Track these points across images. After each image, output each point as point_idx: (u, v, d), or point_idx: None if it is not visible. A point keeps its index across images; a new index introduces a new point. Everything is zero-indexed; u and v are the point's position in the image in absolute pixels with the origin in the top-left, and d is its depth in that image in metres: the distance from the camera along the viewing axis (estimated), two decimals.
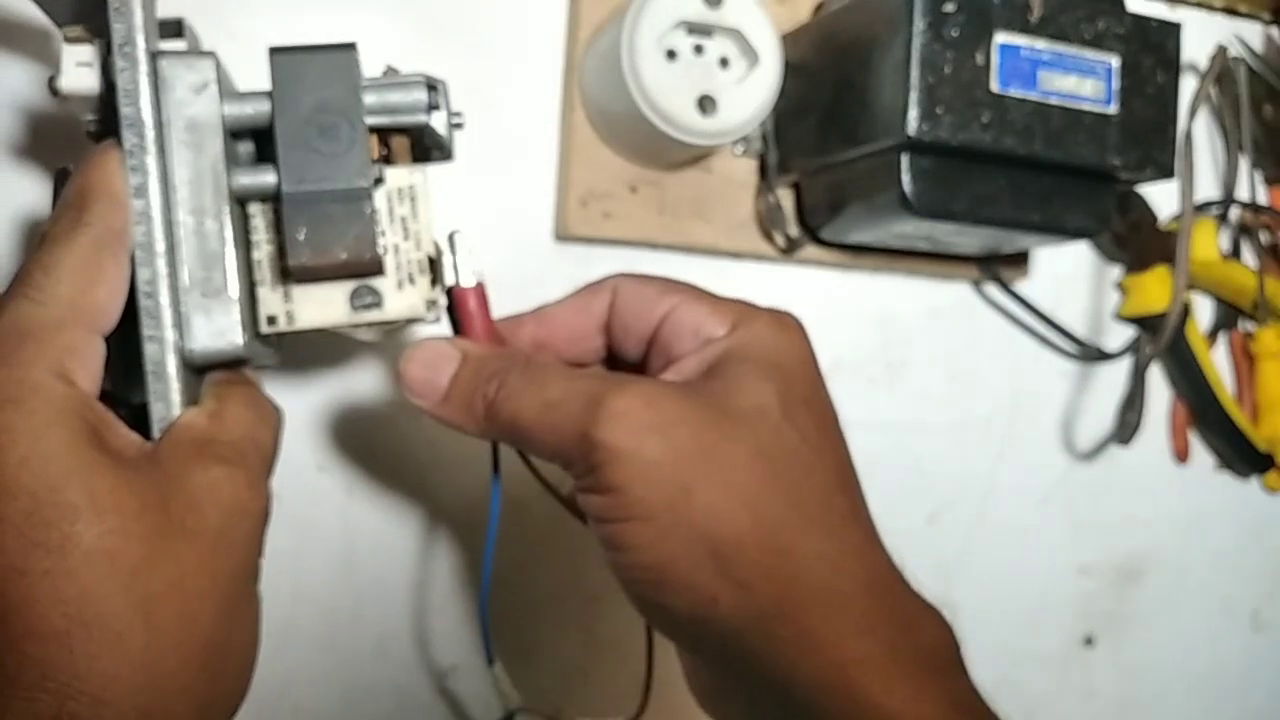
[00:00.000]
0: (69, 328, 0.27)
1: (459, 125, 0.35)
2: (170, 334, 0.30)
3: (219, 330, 0.30)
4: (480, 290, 0.34)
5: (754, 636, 0.28)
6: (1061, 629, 0.59)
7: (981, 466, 0.57)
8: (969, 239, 0.49)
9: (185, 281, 0.30)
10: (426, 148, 0.35)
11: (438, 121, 0.34)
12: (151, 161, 0.30)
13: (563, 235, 0.47)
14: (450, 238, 0.33)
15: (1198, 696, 0.63)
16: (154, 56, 0.30)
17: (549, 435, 0.30)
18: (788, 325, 0.33)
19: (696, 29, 0.44)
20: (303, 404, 0.44)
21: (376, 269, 0.32)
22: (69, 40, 0.31)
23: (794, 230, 0.50)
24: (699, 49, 0.44)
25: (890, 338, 0.55)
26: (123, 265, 0.29)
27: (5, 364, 0.26)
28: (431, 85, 0.33)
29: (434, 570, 0.46)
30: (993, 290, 0.56)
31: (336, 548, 0.45)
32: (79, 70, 0.31)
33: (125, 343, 0.30)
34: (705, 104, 0.43)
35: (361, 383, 0.45)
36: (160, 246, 0.30)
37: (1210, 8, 0.61)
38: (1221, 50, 0.56)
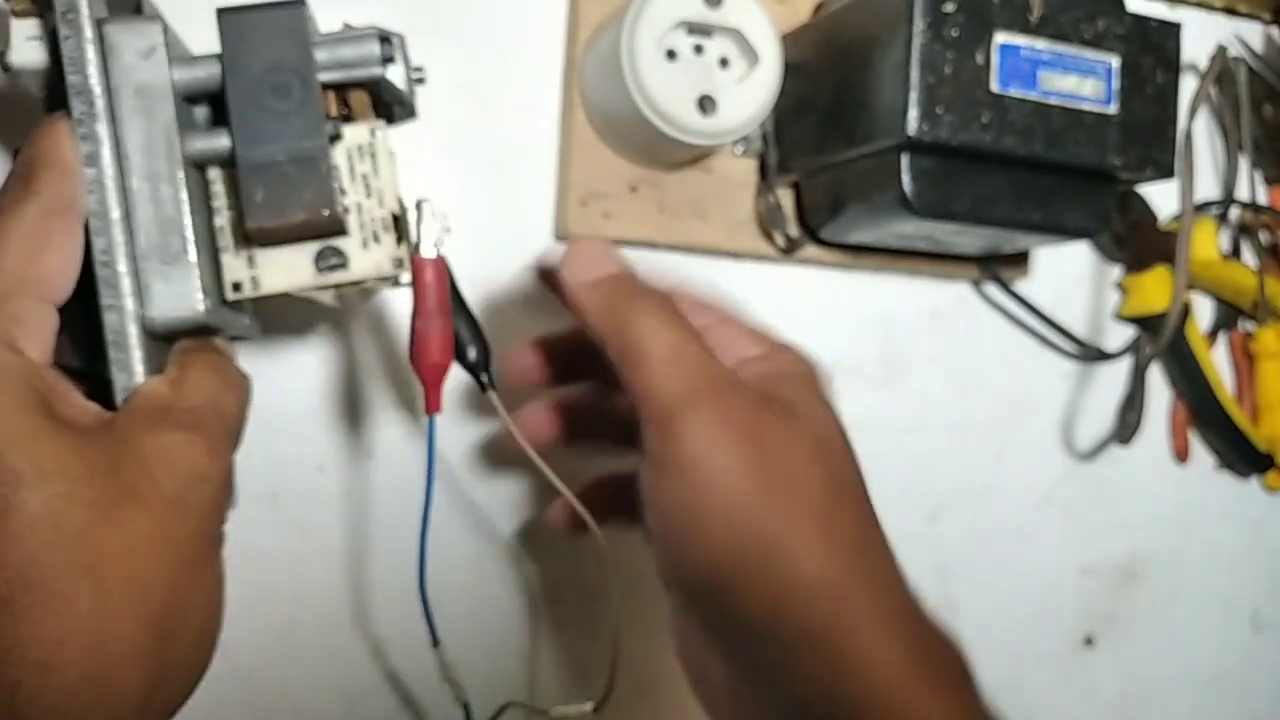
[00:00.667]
0: (15, 297, 0.27)
1: (420, 80, 0.34)
2: (129, 302, 0.30)
3: (179, 296, 0.30)
4: (440, 263, 0.33)
5: (803, 652, 0.30)
6: (1061, 629, 0.59)
7: (981, 466, 0.57)
8: (969, 239, 0.49)
9: (143, 248, 0.30)
10: (389, 104, 0.34)
11: (395, 75, 0.33)
12: (102, 129, 0.30)
13: (563, 235, 0.47)
14: (418, 205, 0.33)
15: (1198, 696, 0.63)
16: (99, 23, 0.30)
17: (644, 387, 0.32)
18: (810, 361, 0.35)
19: (696, 29, 0.44)
20: (302, 404, 0.44)
21: (338, 228, 0.32)
22: (15, 14, 0.31)
23: (794, 230, 0.50)
24: (699, 49, 0.44)
25: (890, 338, 0.55)
26: (74, 233, 0.29)
27: None
28: (384, 38, 0.33)
29: (434, 571, 0.46)
30: (993, 290, 0.56)
31: (336, 548, 0.45)
32: (28, 44, 0.30)
33: (89, 314, 0.29)
34: (705, 104, 0.43)
35: (361, 383, 0.45)
36: (115, 214, 0.30)
37: (1210, 8, 0.61)
38: (1221, 50, 0.56)
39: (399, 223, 0.33)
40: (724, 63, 0.44)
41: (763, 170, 0.50)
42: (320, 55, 0.32)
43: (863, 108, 0.43)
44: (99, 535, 0.25)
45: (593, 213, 0.47)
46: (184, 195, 0.30)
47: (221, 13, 0.31)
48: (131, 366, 0.30)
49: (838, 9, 0.46)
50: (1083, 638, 0.60)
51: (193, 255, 0.30)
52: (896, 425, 0.55)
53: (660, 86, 0.43)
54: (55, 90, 0.31)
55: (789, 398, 0.33)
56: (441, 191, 0.35)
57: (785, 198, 0.50)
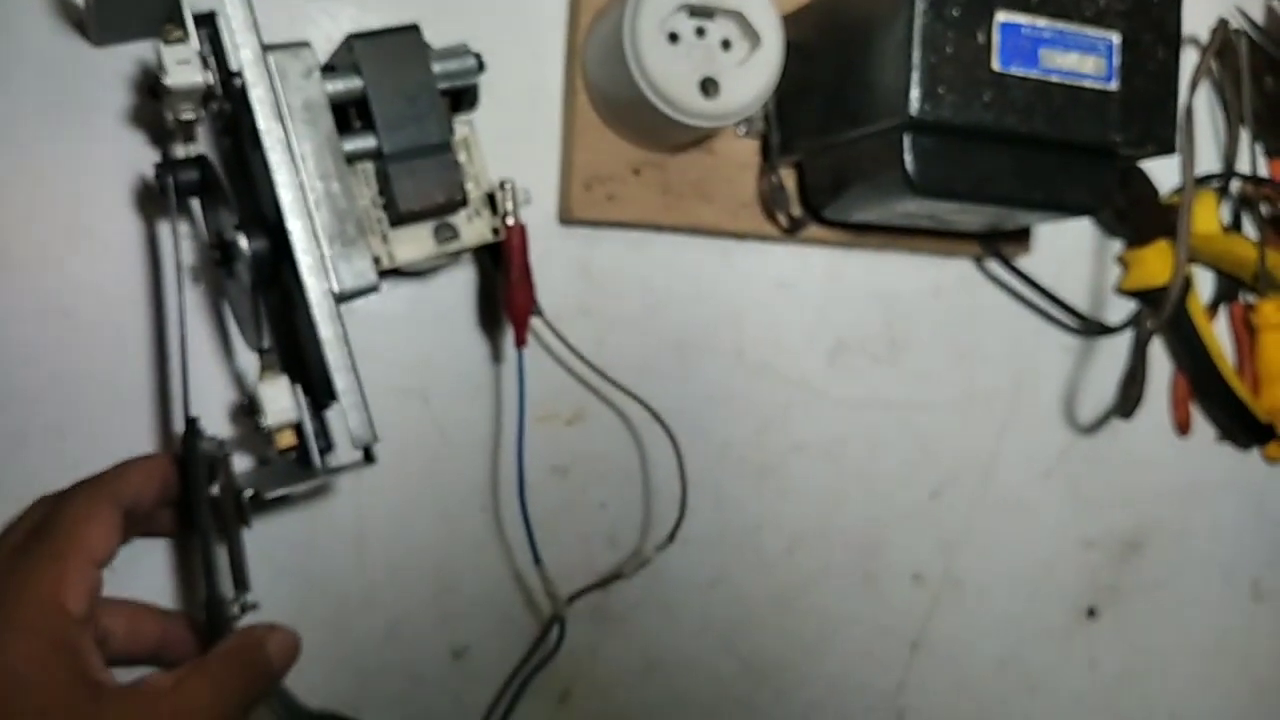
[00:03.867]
0: (67, 558, 0.33)
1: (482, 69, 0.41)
2: (324, 280, 0.36)
3: (359, 272, 0.36)
4: (523, 228, 0.41)
5: None
6: (1064, 601, 0.60)
7: (984, 442, 0.57)
8: (971, 217, 0.49)
9: (324, 236, 0.36)
10: (460, 103, 0.40)
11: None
12: (286, 141, 0.35)
13: (567, 218, 0.48)
14: (502, 185, 0.40)
15: (1199, 666, 0.63)
16: (266, 51, 0.35)
17: None
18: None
19: (698, 11, 0.44)
20: None
21: (461, 206, 0.39)
22: (168, 41, 0.35)
23: (797, 210, 0.50)
24: (701, 31, 0.44)
25: (893, 315, 0.55)
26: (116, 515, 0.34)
27: (16, 586, 0.32)
28: (476, 54, 0.40)
29: (445, 553, 0.47)
30: (995, 266, 0.57)
31: (347, 533, 0.45)
32: (181, 68, 0.35)
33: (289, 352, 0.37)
34: (708, 86, 0.43)
35: (369, 369, 0.45)
36: (309, 206, 0.35)
37: None
38: (1223, 23, 0.56)
39: (491, 200, 0.40)
40: (726, 45, 0.44)
41: (765, 151, 0.50)
42: (435, 68, 0.38)
43: (865, 88, 0.44)
44: None
45: (596, 195, 0.47)
46: (350, 189, 0.36)
47: (354, 39, 0.37)
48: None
49: None
50: (1085, 609, 0.60)
51: (363, 237, 0.36)
52: (900, 402, 0.55)
53: (663, 69, 0.43)
54: (216, 111, 0.36)
55: None
56: None
57: (788, 178, 0.50)
